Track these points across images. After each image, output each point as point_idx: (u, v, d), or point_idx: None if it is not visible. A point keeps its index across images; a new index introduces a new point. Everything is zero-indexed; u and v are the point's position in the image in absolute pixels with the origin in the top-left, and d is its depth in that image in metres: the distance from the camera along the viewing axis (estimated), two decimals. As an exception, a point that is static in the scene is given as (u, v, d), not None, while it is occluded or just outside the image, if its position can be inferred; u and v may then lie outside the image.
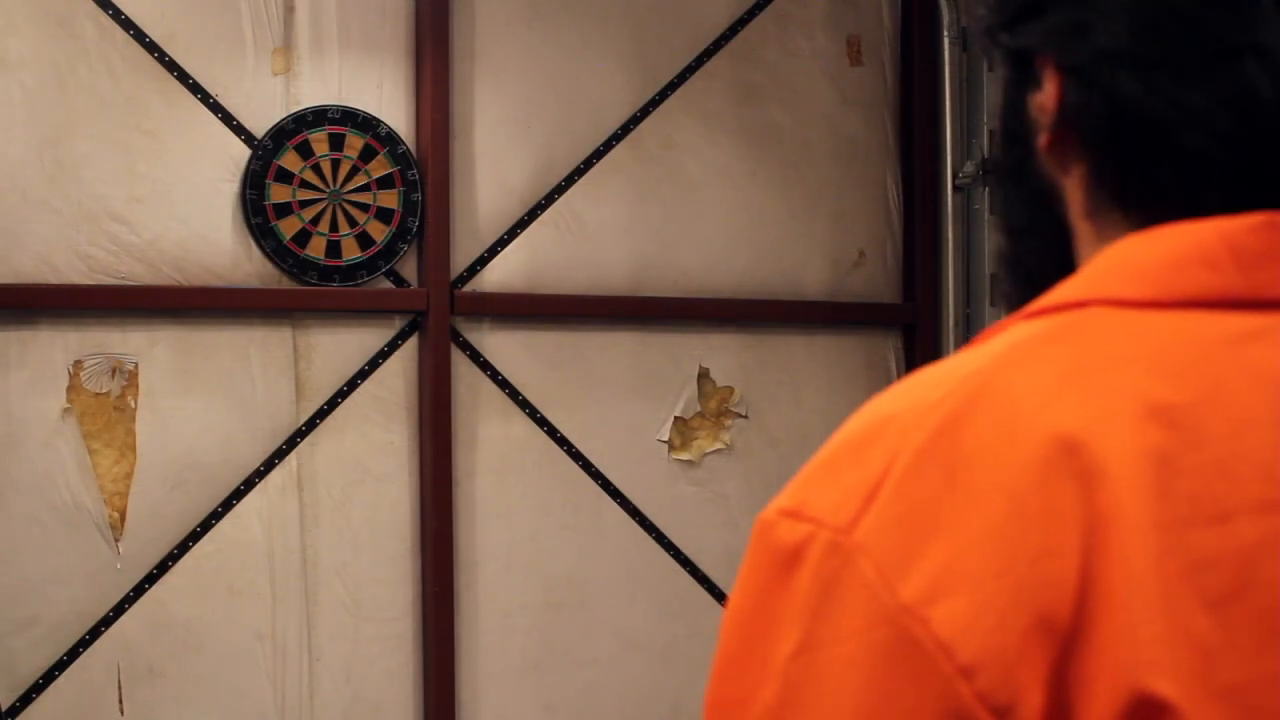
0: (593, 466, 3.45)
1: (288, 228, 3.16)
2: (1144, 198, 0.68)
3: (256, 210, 3.13)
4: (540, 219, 3.41)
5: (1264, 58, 0.65)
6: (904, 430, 0.61)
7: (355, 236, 3.23)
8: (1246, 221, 0.63)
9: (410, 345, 3.30)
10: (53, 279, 2.98)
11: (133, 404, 3.05)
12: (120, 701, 3.05)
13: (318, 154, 3.19)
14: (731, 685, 0.64)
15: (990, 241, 3.71)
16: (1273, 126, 0.65)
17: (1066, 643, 0.56)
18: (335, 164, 3.21)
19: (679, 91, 3.54)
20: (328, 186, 3.21)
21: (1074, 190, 0.72)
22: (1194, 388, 0.60)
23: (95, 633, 3.02)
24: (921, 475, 0.60)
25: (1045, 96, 0.71)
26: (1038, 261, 0.76)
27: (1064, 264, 0.73)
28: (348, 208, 3.22)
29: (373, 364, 3.26)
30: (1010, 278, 0.80)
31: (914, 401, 0.63)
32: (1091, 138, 0.69)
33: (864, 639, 0.58)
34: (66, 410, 3.00)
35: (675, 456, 3.54)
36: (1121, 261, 0.65)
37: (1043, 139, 0.72)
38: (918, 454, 0.60)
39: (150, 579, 3.07)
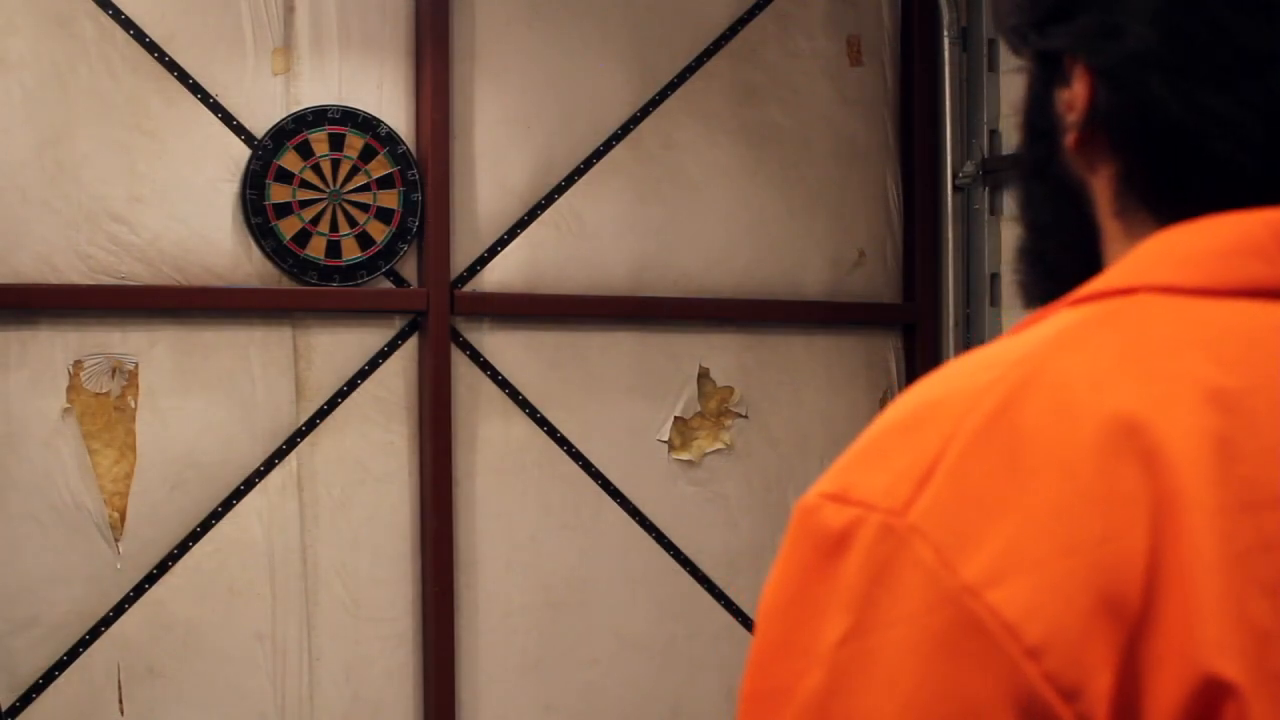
0: (593, 466, 3.45)
1: (288, 228, 3.16)
2: (1174, 201, 0.68)
3: (256, 210, 3.13)
4: (540, 219, 3.41)
5: None
6: (957, 413, 0.61)
7: (355, 236, 3.23)
8: None
9: (410, 345, 3.30)
10: (53, 279, 2.98)
11: (133, 404, 3.05)
12: (120, 701, 3.05)
13: (318, 154, 3.19)
14: (772, 675, 0.62)
15: (992, 240, 3.71)
16: None
17: (1135, 624, 0.55)
18: (335, 164, 3.21)
19: (679, 91, 3.54)
20: (328, 186, 3.21)
21: (1102, 188, 0.72)
22: (1248, 375, 0.60)
23: (95, 633, 3.02)
24: (979, 457, 0.59)
25: (1074, 95, 0.71)
26: (1060, 256, 0.77)
27: (1088, 260, 0.74)
28: (348, 208, 3.22)
29: (373, 364, 3.26)
30: (1030, 271, 0.80)
31: (964, 385, 0.62)
32: (1121, 140, 0.69)
33: (922, 622, 0.57)
34: (66, 410, 3.00)
35: (675, 456, 3.54)
36: (1170, 250, 0.65)
37: (1070, 138, 0.72)
38: (974, 436, 0.60)
39: (150, 579, 3.07)
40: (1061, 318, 0.65)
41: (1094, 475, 0.57)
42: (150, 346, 3.07)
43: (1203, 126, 0.66)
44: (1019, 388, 0.61)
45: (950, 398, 0.62)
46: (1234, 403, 0.59)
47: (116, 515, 3.04)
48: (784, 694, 0.61)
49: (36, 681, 2.98)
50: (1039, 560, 0.56)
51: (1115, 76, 0.68)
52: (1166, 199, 0.68)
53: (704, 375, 3.57)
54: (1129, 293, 0.65)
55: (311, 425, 3.20)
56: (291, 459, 3.19)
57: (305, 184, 3.18)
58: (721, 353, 3.58)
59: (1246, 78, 0.65)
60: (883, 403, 3.77)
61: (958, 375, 0.64)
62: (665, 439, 3.52)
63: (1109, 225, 0.72)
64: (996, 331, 3.69)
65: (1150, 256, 0.66)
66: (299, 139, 3.17)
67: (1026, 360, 0.62)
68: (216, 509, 3.12)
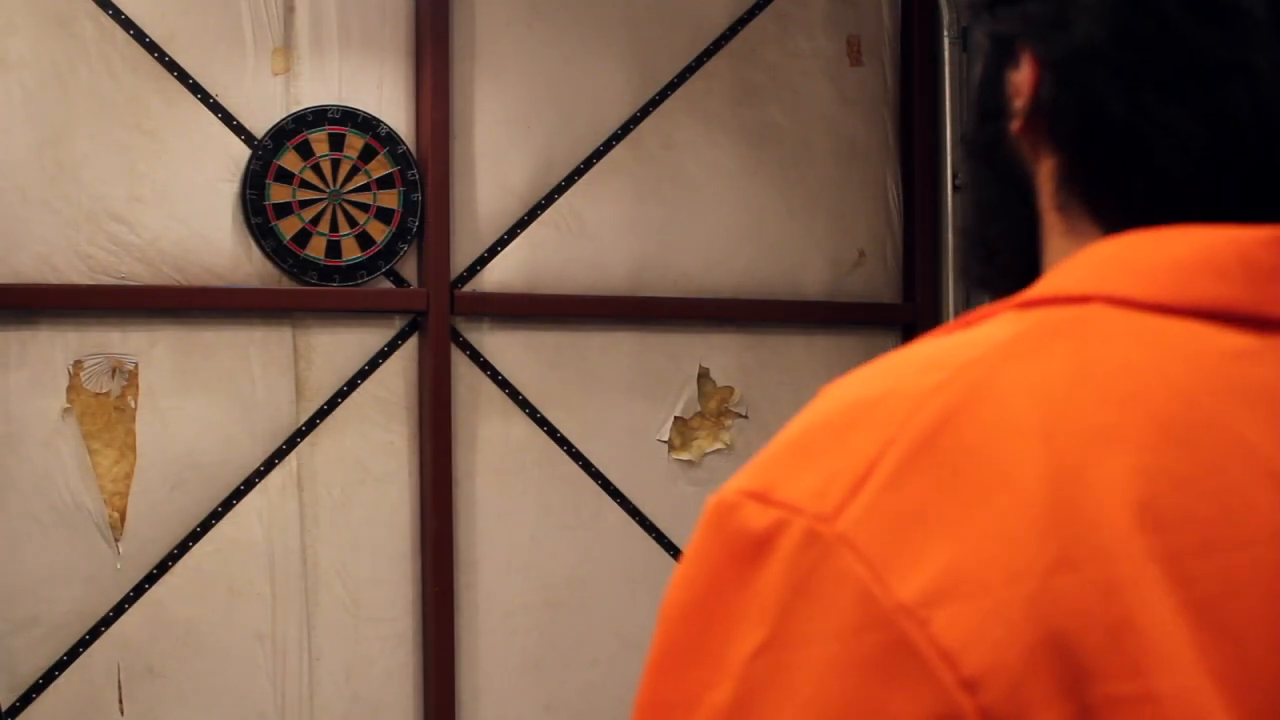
0: (593, 466, 3.45)
1: (288, 228, 3.16)
2: (1114, 205, 0.66)
3: (256, 210, 3.13)
4: (540, 219, 3.41)
5: (1250, 79, 0.62)
6: (897, 415, 0.56)
7: (355, 236, 3.23)
8: (1259, 234, 0.60)
9: (410, 345, 3.30)
10: (53, 279, 2.98)
11: (133, 404, 3.05)
12: (120, 701, 3.05)
13: (318, 154, 3.19)
14: (673, 683, 0.58)
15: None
16: (1249, 149, 0.62)
17: (1086, 662, 0.51)
18: (335, 164, 3.21)
19: (679, 91, 3.54)
20: (328, 186, 3.21)
21: (1044, 178, 0.69)
22: (1202, 405, 0.57)
23: (95, 633, 3.02)
24: (920, 467, 0.54)
25: (1021, 80, 0.69)
26: (1002, 242, 0.75)
27: (1027, 248, 0.71)
28: (348, 208, 3.22)
29: (373, 364, 3.26)
30: (972, 252, 0.78)
31: (905, 385, 0.58)
32: (1062, 135, 0.67)
33: (848, 640, 0.53)
34: (66, 410, 3.00)
35: (675, 456, 3.54)
36: (1128, 260, 0.62)
37: (1015, 123, 0.70)
38: (917, 443, 0.55)
39: (150, 579, 3.07)
40: (1011, 321, 0.62)
41: (1045, 503, 0.53)
42: (150, 346, 3.07)
43: (1145, 134, 0.64)
44: (967, 396, 0.56)
45: (889, 397, 0.57)
46: (1189, 436, 0.55)
47: (116, 515, 3.04)
48: (688, 705, 0.56)
49: (36, 681, 2.98)
50: (983, 584, 0.52)
51: (1060, 69, 0.66)
52: (1105, 201, 0.66)
53: (704, 375, 3.57)
54: (1082, 300, 0.61)
55: (311, 425, 3.20)
56: (291, 459, 3.19)
57: (305, 184, 3.18)
58: (721, 353, 3.58)
59: (1196, 87, 0.63)
60: (883, 403, 3.77)
61: (897, 372, 0.60)
62: (665, 439, 3.52)
63: (1049, 216, 0.69)
64: (996, 331, 3.68)
65: (1105, 264, 0.63)
66: (299, 139, 3.17)
67: (975, 366, 0.58)
68: (216, 509, 3.12)
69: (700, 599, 0.58)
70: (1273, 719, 0.52)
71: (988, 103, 0.73)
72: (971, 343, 0.60)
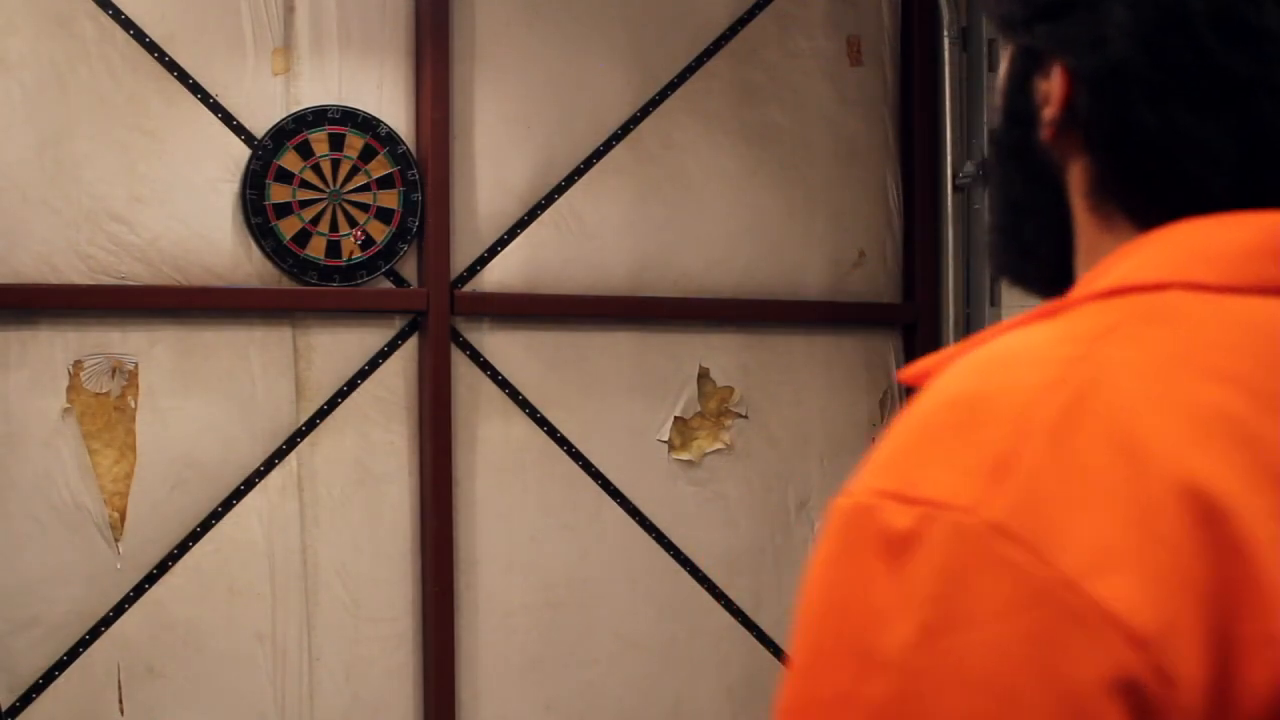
0: (593, 466, 3.45)
1: (288, 228, 3.16)
2: (1149, 210, 0.71)
3: (256, 210, 3.13)
4: (540, 219, 3.41)
5: (1277, 95, 0.67)
6: (1022, 409, 0.60)
7: (355, 236, 3.23)
8: None
9: (410, 345, 3.30)
10: (53, 279, 2.98)
11: (133, 404, 3.05)
12: (120, 701, 3.05)
13: (318, 154, 3.19)
14: (823, 682, 0.60)
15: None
16: (1277, 161, 0.68)
17: (1226, 612, 0.56)
18: (335, 164, 3.21)
19: (679, 91, 3.54)
20: (328, 186, 3.21)
21: (1076, 180, 0.74)
22: (1278, 369, 0.63)
23: (95, 633, 3.02)
24: (1057, 455, 0.59)
25: (1051, 89, 0.73)
26: (1038, 236, 0.79)
27: (1062, 241, 0.76)
28: (348, 208, 3.22)
29: (373, 364, 3.26)
30: (1005, 249, 0.82)
31: (1019, 381, 0.62)
32: (1097, 144, 0.72)
33: (1014, 618, 0.56)
34: (66, 410, 3.00)
35: (675, 456, 3.54)
36: (1196, 248, 0.67)
37: (1046, 131, 0.74)
38: (1049, 434, 0.59)
39: (150, 579, 3.07)
40: (1099, 312, 0.66)
41: (1173, 478, 0.58)
42: (150, 346, 3.07)
43: (1178, 146, 0.69)
44: (1087, 388, 0.61)
45: (1005, 394, 0.62)
46: (1271, 403, 0.61)
47: (116, 515, 3.04)
48: (843, 702, 0.59)
49: (36, 681, 2.98)
50: (1136, 552, 0.57)
51: (1095, 84, 0.71)
52: (1140, 204, 0.71)
53: (704, 375, 3.57)
54: (1160, 288, 0.66)
55: (311, 425, 3.20)
56: (291, 459, 3.19)
57: (305, 184, 3.18)
58: (721, 353, 3.58)
59: (1225, 103, 0.68)
60: (882, 403, 3.77)
61: (1006, 368, 0.64)
62: (665, 439, 3.52)
63: (1082, 215, 0.74)
64: (996, 331, 3.68)
65: (1176, 252, 0.68)
66: (299, 139, 3.17)
67: (1083, 361, 0.62)
68: (216, 509, 3.12)
69: (844, 599, 0.61)
70: None
71: (1017, 106, 0.77)
72: (1070, 337, 0.65)
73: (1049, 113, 0.74)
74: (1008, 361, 0.64)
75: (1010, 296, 3.65)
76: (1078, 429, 0.59)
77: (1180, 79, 0.68)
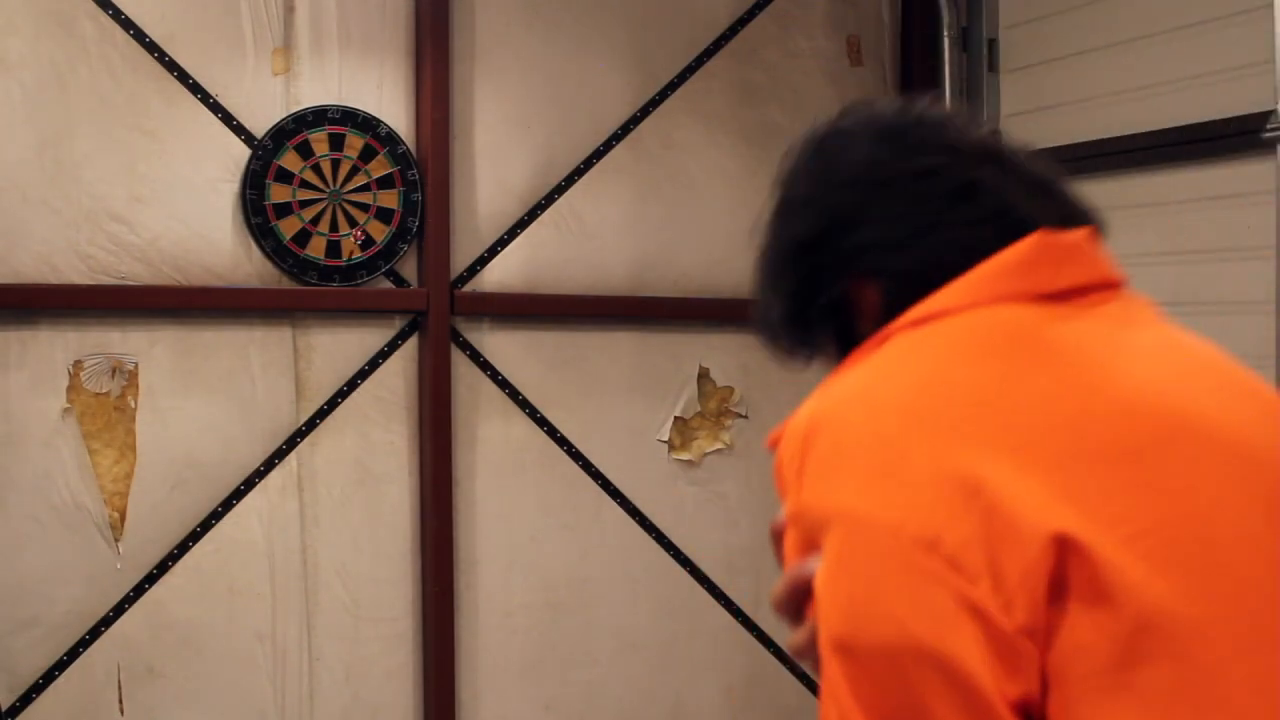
0: (593, 466, 3.45)
1: (288, 228, 3.16)
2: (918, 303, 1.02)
3: (256, 210, 3.13)
4: (540, 219, 3.41)
5: (985, 194, 1.03)
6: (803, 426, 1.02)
7: (355, 236, 3.23)
8: (1027, 242, 1.00)
9: (410, 345, 3.30)
10: (53, 279, 2.98)
11: (133, 404, 3.05)
12: (120, 701, 3.05)
13: (318, 154, 3.19)
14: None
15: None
16: (1006, 234, 1.01)
17: (994, 537, 0.83)
18: (335, 164, 3.21)
19: (679, 91, 3.54)
20: (328, 186, 3.21)
21: (868, 308, 1.06)
22: (1010, 359, 0.93)
23: (95, 633, 3.02)
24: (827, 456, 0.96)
25: (859, 291, 1.06)
26: (820, 344, 1.14)
27: (847, 343, 1.08)
28: (348, 208, 3.22)
29: (373, 364, 3.26)
30: (796, 352, 1.18)
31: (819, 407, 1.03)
32: (885, 291, 1.04)
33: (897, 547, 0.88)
34: (66, 410, 3.00)
35: (675, 456, 3.54)
36: (946, 291, 0.99)
37: (841, 286, 1.07)
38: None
39: (150, 579, 3.07)
40: (898, 341, 1.01)
41: (930, 471, 0.88)
42: (150, 346, 3.07)
43: (934, 274, 1.00)
44: (840, 407, 1.01)
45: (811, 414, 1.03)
46: (998, 391, 0.91)
47: (116, 515, 3.04)
48: None
49: (36, 681, 2.98)
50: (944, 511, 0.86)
51: (864, 262, 1.05)
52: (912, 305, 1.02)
53: (704, 375, 3.57)
54: (926, 320, 0.99)
55: (311, 425, 3.20)
56: (291, 459, 3.19)
57: (305, 184, 3.18)
58: (721, 353, 3.58)
59: (961, 241, 1.01)
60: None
61: (843, 389, 1.05)
62: (665, 439, 3.52)
63: (866, 323, 1.06)
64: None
65: (934, 300, 0.99)
66: (299, 139, 3.17)
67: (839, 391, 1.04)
68: (216, 509, 3.12)
69: None
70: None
71: (815, 295, 1.10)
72: (858, 371, 1.02)
73: (864, 305, 1.06)
74: (858, 387, 0.99)
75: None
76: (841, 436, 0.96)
77: (924, 244, 1.03)
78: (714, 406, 3.58)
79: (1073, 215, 1.04)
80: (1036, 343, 0.94)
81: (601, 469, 3.45)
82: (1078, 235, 1.01)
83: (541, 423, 3.41)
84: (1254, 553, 0.85)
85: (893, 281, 1.03)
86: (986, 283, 0.98)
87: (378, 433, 3.27)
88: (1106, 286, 1.01)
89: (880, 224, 1.04)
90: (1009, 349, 0.93)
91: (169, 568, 3.08)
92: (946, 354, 0.94)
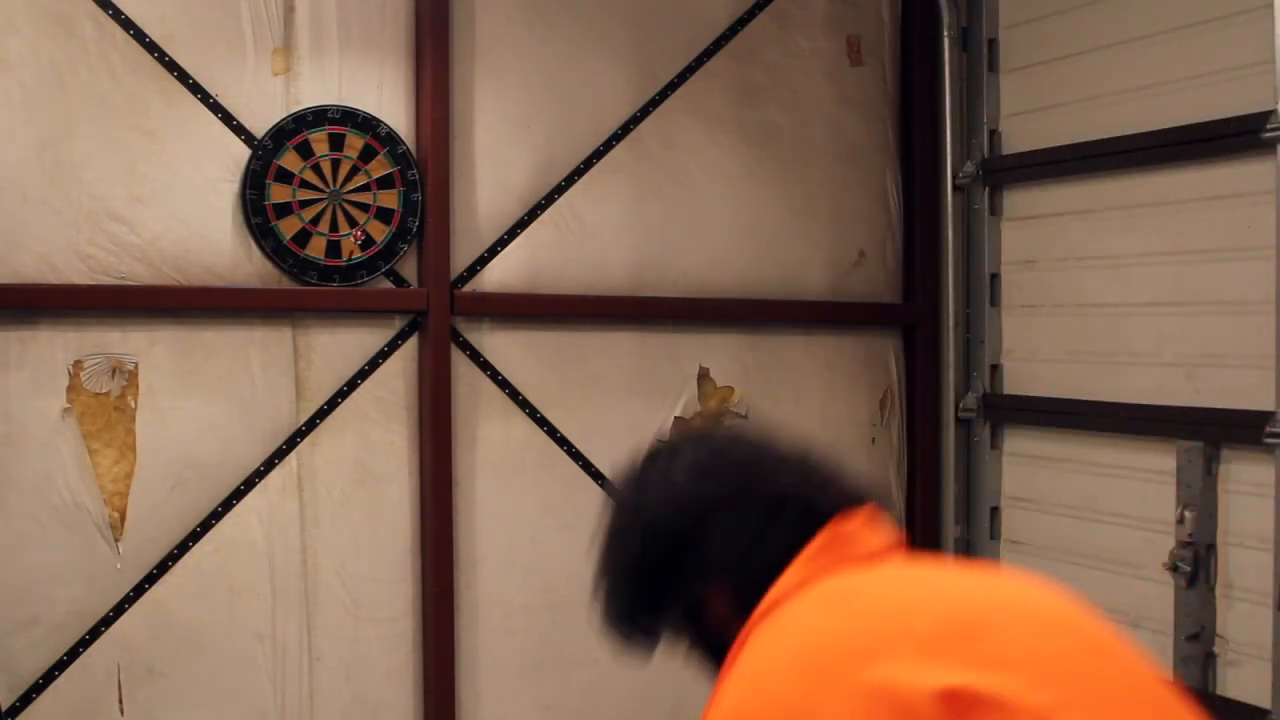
0: (593, 466, 3.45)
1: (288, 228, 3.16)
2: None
3: (256, 210, 3.13)
4: (540, 219, 3.41)
5: (790, 501, 1.37)
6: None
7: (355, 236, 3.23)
8: (825, 532, 1.33)
9: (410, 345, 3.30)
10: (53, 279, 2.98)
11: (133, 404, 3.05)
12: (120, 701, 3.05)
13: (318, 154, 3.19)
14: None
15: (992, 240, 3.71)
16: (818, 521, 1.34)
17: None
18: (335, 164, 3.21)
19: (679, 91, 3.54)
20: (328, 186, 3.21)
21: (716, 604, 1.37)
22: (854, 600, 1.24)
23: (95, 633, 3.02)
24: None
25: (712, 600, 1.38)
26: (665, 638, 1.44)
27: (700, 635, 1.42)
28: (348, 208, 3.22)
29: (373, 364, 3.26)
30: (641, 642, 1.46)
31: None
32: (736, 591, 1.33)
33: None
34: (66, 410, 3.00)
35: (675, 456, 3.53)
36: (781, 581, 1.29)
37: (695, 592, 1.38)
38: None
39: (150, 579, 3.07)
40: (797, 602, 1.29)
41: (798, 673, 1.18)
42: (150, 346, 3.07)
43: (771, 572, 1.31)
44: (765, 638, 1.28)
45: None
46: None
47: (116, 515, 3.04)
48: None
49: (36, 681, 2.98)
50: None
51: (741, 583, 1.33)
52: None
53: (704, 375, 3.57)
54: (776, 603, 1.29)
55: (311, 425, 3.20)
56: (291, 459, 3.19)
57: (305, 184, 3.18)
58: (721, 353, 3.58)
59: (786, 558, 1.31)
60: (882, 403, 3.78)
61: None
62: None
63: (725, 619, 1.34)
64: (996, 331, 3.69)
65: (782, 582, 1.30)
66: (299, 139, 3.17)
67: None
68: (216, 509, 3.12)
69: None
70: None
71: (658, 594, 1.41)
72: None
73: (717, 610, 1.37)
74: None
75: (1009, 297, 3.66)
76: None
77: (747, 555, 1.34)
78: (714, 406, 3.58)
79: (858, 495, 1.39)
80: (863, 584, 1.26)
81: (601, 469, 3.45)
82: (862, 515, 1.35)
83: (541, 423, 3.41)
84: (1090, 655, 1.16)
85: (742, 582, 1.32)
86: (806, 566, 1.29)
87: (378, 433, 3.27)
88: (890, 549, 1.33)
89: (721, 540, 1.35)
90: (849, 594, 1.24)
91: (169, 568, 3.08)
92: (808, 618, 1.22)
